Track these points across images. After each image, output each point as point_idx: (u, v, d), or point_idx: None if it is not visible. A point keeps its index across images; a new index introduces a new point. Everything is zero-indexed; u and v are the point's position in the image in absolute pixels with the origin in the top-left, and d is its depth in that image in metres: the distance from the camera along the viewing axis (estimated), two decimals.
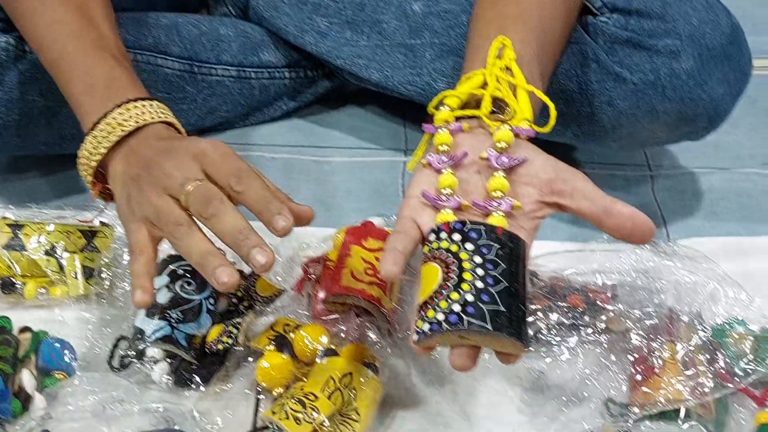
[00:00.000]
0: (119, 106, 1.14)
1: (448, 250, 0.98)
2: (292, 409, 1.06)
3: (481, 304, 0.94)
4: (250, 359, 1.18)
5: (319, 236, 1.33)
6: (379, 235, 1.27)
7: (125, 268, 1.25)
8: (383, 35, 1.54)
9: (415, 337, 0.96)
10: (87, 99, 1.18)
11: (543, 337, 1.21)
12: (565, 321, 1.21)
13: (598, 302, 1.23)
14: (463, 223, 0.99)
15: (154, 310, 1.17)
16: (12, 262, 1.25)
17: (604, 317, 1.21)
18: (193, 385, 1.15)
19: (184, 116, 1.19)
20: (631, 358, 1.19)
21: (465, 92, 1.11)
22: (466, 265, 0.96)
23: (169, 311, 1.17)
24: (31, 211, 1.37)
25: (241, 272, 1.25)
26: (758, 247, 1.44)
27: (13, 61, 1.36)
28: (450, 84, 1.41)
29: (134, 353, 1.15)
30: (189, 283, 1.19)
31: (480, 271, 0.96)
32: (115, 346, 1.18)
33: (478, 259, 0.97)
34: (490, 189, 1.03)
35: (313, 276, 1.25)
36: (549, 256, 1.31)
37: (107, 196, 1.19)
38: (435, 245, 0.99)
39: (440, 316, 0.94)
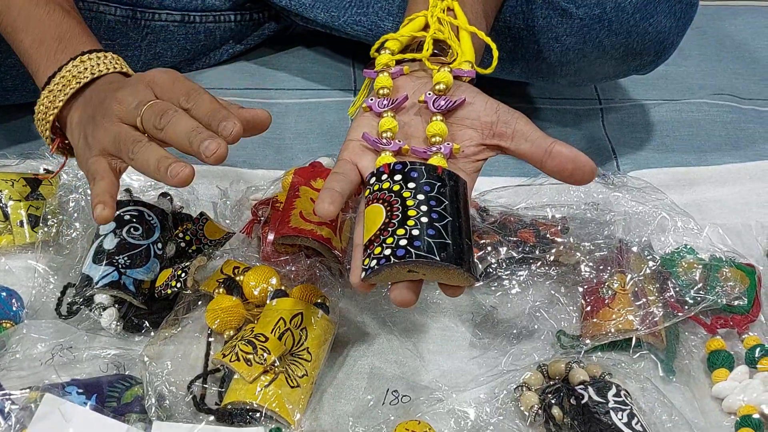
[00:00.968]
0: (74, 59, 1.13)
1: (390, 190, 0.98)
2: (242, 350, 1.06)
3: (427, 238, 0.94)
4: (200, 303, 1.17)
5: (268, 178, 1.33)
6: (327, 175, 1.26)
7: (71, 215, 1.24)
8: None
9: (362, 274, 0.96)
10: (39, 52, 1.16)
11: (493, 272, 1.21)
12: (515, 255, 1.21)
13: (548, 236, 1.23)
14: (404, 164, 1.00)
15: (100, 256, 1.15)
16: None
17: (554, 250, 1.21)
18: (142, 331, 1.15)
19: (129, 63, 1.17)
20: (582, 290, 1.20)
21: (406, 35, 1.11)
22: (410, 202, 0.97)
23: (116, 257, 1.15)
24: None
25: (189, 216, 1.24)
26: (707, 177, 1.44)
27: None
28: (396, 23, 1.40)
29: (82, 300, 1.14)
30: (136, 228, 1.18)
31: (424, 208, 0.96)
32: (63, 293, 1.17)
33: (421, 197, 0.97)
34: (428, 134, 1.03)
35: (262, 218, 1.25)
36: (499, 191, 1.31)
37: (66, 150, 1.18)
38: (376, 187, 0.99)
39: (387, 251, 0.94)
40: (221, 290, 1.15)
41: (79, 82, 1.12)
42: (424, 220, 0.96)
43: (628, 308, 1.14)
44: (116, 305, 1.14)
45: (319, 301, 1.14)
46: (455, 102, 1.04)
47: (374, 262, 0.95)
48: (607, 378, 1.08)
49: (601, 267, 1.19)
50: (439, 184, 0.98)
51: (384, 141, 1.03)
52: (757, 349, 1.13)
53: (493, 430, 1.05)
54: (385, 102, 1.06)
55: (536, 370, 1.10)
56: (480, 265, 1.20)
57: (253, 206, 1.27)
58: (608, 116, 1.58)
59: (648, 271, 1.18)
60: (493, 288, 1.21)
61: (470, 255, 0.96)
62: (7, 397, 1.00)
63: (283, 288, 1.15)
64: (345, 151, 1.05)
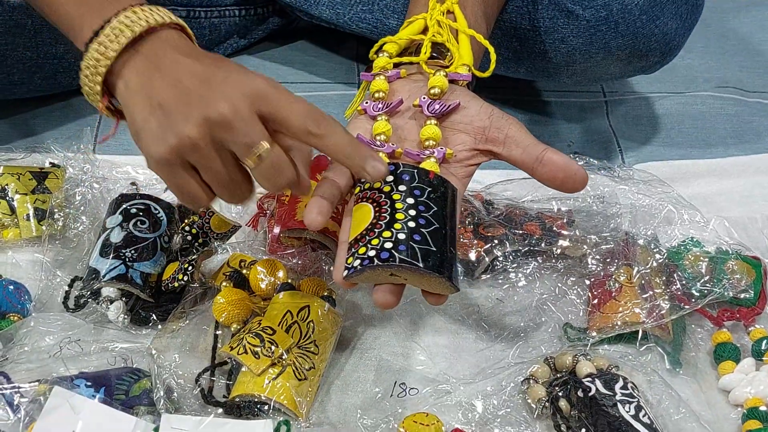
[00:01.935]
0: (124, 9, 1.00)
1: (380, 191, 0.99)
2: (250, 343, 1.06)
3: (412, 243, 0.95)
4: (207, 296, 1.17)
5: None
6: None
7: (78, 208, 1.24)
8: None
9: (344, 272, 0.96)
10: (81, 10, 1.02)
11: (500, 265, 1.21)
12: (522, 248, 1.21)
13: (554, 228, 1.23)
14: (396, 165, 1.00)
15: (107, 249, 1.15)
16: None
17: (560, 243, 1.21)
18: (149, 324, 1.15)
19: None
20: (588, 283, 1.20)
21: (404, 38, 1.11)
22: (399, 205, 0.97)
23: (123, 250, 1.15)
24: None
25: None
26: (713, 170, 1.44)
27: None
28: (401, 20, 1.39)
29: (89, 293, 1.14)
30: (143, 222, 1.18)
31: (412, 212, 0.97)
32: (70, 286, 1.17)
33: (410, 201, 0.97)
34: (422, 138, 1.04)
35: (268, 211, 1.25)
36: (505, 184, 1.31)
37: (115, 112, 1.04)
38: (367, 185, 1.00)
39: (371, 253, 0.95)
40: (228, 283, 1.15)
41: (134, 31, 0.98)
42: (411, 224, 0.96)
43: (635, 301, 1.15)
44: (123, 298, 1.14)
45: (325, 294, 1.14)
46: (449, 106, 1.05)
47: (357, 261, 0.95)
48: (614, 371, 1.08)
49: (608, 260, 1.19)
50: (429, 189, 0.99)
51: (377, 143, 1.03)
52: (764, 342, 1.13)
53: (500, 423, 1.05)
54: (380, 106, 1.07)
55: (543, 362, 1.10)
56: (486, 258, 1.20)
57: (259, 200, 1.27)
58: (613, 109, 1.58)
59: (654, 263, 1.18)
60: (499, 281, 1.21)
61: (453, 264, 0.97)
62: (16, 390, 1.00)
63: (289, 281, 1.15)
64: None
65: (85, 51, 0.99)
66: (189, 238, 1.22)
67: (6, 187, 1.25)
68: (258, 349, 1.05)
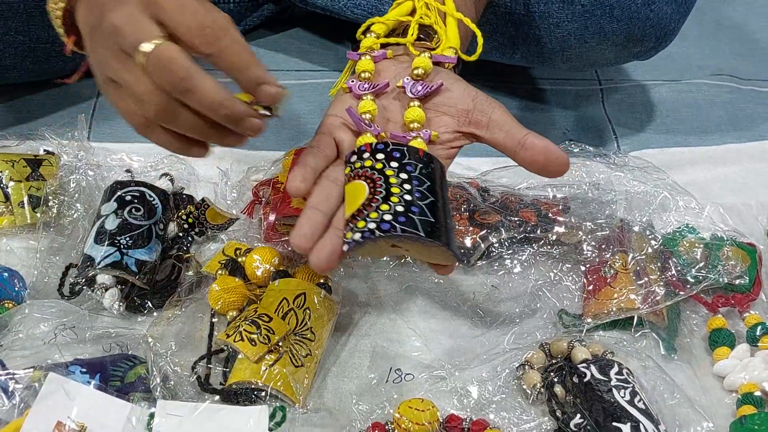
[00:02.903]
0: None
1: (373, 168, 0.99)
2: (246, 330, 1.06)
3: (411, 214, 0.95)
4: (202, 284, 1.17)
5: (269, 159, 1.32)
6: None
7: (72, 195, 1.24)
8: None
9: (345, 246, 0.96)
10: None
11: (495, 252, 1.21)
12: (517, 235, 1.21)
13: (549, 215, 1.23)
14: (386, 143, 1.01)
15: (102, 236, 1.15)
16: None
17: (556, 230, 1.21)
18: (145, 311, 1.15)
19: None
20: (583, 269, 1.20)
21: (392, 19, 1.11)
22: (393, 180, 0.98)
23: (118, 237, 1.15)
24: None
25: (190, 197, 1.24)
26: (708, 157, 1.44)
27: None
28: None
29: (84, 280, 1.14)
30: (137, 209, 1.18)
31: (407, 186, 0.97)
32: (65, 273, 1.17)
33: (404, 176, 0.98)
34: (406, 120, 1.04)
35: (263, 199, 1.25)
36: (500, 171, 1.31)
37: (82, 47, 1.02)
38: (358, 164, 1.00)
39: (372, 225, 0.95)
40: (223, 271, 1.15)
41: None
42: (408, 197, 0.96)
43: (630, 287, 1.15)
44: (118, 285, 1.14)
45: (321, 281, 1.14)
46: (432, 87, 1.05)
47: (358, 235, 0.95)
48: (609, 356, 1.08)
49: (603, 246, 1.20)
50: (421, 165, 0.99)
51: (365, 123, 1.04)
52: (758, 328, 1.13)
53: (495, 408, 1.05)
54: (366, 86, 1.07)
55: (538, 348, 1.11)
56: (482, 245, 1.20)
57: (254, 187, 1.27)
58: (608, 97, 1.58)
59: (650, 250, 1.18)
60: (495, 267, 1.21)
61: (451, 234, 0.97)
62: (11, 376, 1.00)
63: (285, 268, 1.15)
64: (324, 125, 1.05)
65: None
66: (185, 226, 1.22)
67: (0, 174, 1.25)
68: (254, 336, 1.05)
